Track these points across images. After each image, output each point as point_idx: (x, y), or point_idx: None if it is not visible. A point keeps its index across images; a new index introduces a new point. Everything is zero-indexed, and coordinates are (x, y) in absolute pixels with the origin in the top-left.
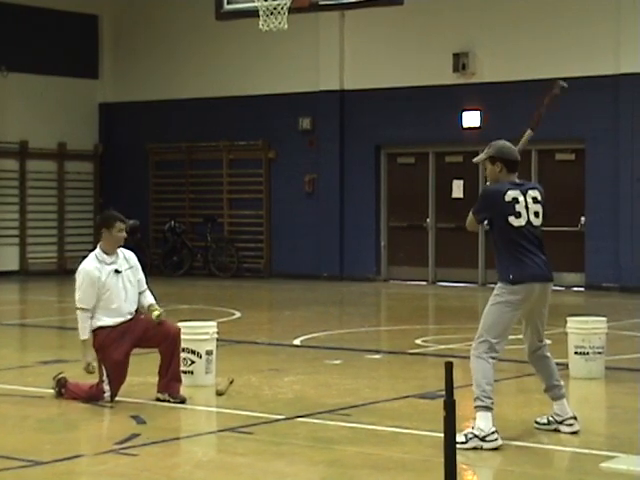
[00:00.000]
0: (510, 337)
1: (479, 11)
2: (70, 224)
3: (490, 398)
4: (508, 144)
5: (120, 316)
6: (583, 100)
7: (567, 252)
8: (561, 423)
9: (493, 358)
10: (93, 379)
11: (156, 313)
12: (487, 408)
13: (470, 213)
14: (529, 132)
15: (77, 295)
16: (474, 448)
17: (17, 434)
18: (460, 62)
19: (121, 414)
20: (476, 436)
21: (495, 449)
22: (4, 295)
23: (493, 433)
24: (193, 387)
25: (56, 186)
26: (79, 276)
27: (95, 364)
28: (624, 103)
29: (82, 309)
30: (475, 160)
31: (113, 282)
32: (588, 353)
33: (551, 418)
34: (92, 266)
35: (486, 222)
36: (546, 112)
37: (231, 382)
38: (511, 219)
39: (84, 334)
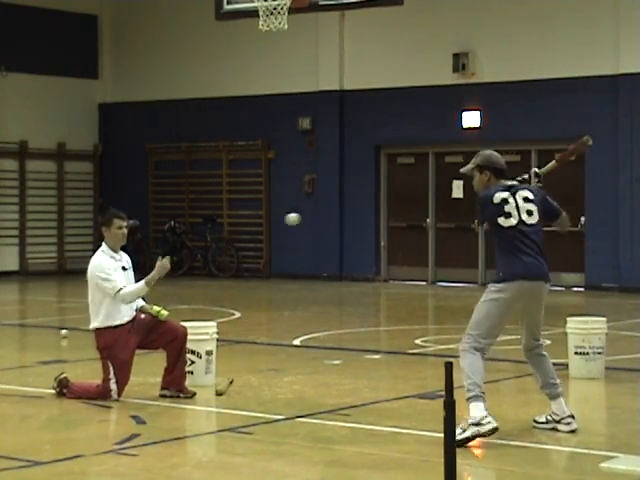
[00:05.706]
0: (510, 337)
1: (479, 11)
2: (70, 224)
3: (479, 387)
4: (495, 153)
5: (126, 315)
6: (582, 100)
7: (567, 252)
8: (559, 422)
9: (477, 350)
10: (97, 379)
11: (163, 312)
12: (477, 397)
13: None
14: (554, 163)
15: (109, 285)
16: (474, 436)
17: (17, 434)
18: (460, 62)
19: (121, 414)
20: (472, 424)
21: (493, 431)
22: (4, 295)
23: (487, 416)
24: (193, 387)
25: (56, 186)
26: (98, 270)
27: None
28: (623, 103)
29: (120, 289)
30: (462, 170)
31: (121, 278)
32: (588, 353)
33: (549, 417)
34: (105, 258)
35: (485, 224)
36: (570, 159)
37: (231, 382)
38: (500, 220)
39: (142, 286)
